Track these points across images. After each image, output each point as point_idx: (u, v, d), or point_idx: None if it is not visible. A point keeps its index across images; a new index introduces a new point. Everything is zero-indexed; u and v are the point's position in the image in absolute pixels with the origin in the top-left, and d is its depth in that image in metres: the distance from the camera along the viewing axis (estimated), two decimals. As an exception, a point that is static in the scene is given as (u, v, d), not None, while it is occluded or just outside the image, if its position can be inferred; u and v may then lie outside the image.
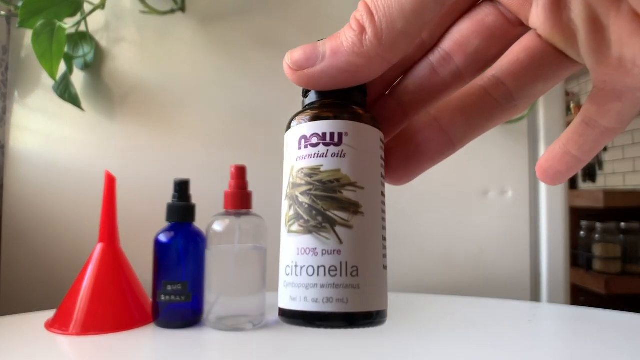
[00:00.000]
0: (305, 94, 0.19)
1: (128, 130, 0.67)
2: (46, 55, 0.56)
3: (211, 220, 0.45)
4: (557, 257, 0.70)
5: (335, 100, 0.18)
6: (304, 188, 0.17)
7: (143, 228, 0.54)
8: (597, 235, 1.51)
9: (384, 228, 0.18)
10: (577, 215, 1.59)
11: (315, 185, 0.17)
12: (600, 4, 0.14)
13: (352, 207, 0.17)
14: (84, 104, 0.64)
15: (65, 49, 0.58)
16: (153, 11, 0.62)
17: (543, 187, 0.70)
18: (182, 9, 0.65)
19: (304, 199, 0.17)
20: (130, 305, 0.45)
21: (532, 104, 0.14)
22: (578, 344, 0.42)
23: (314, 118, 0.18)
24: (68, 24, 0.57)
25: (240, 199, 0.45)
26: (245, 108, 0.68)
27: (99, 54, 0.67)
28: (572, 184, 2.46)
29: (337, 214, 0.17)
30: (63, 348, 0.40)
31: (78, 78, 0.66)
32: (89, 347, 0.39)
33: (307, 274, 0.17)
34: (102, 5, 0.59)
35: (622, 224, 1.50)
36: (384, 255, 0.18)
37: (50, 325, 0.43)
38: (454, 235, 0.69)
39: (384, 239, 0.18)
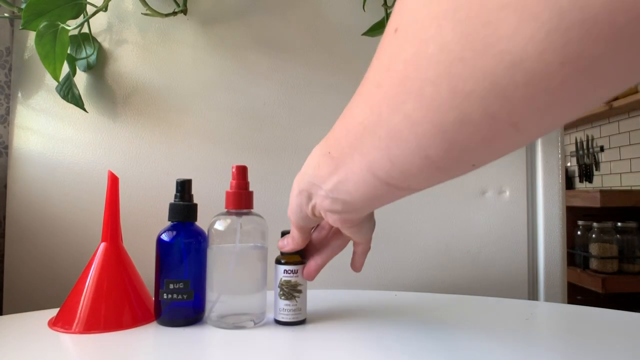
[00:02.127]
0: (281, 254, 0.46)
1: (131, 130, 0.67)
2: (49, 56, 0.56)
3: (213, 219, 0.45)
4: (554, 256, 0.70)
5: (292, 255, 0.45)
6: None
7: (145, 227, 0.55)
8: (593, 235, 1.52)
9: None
10: (574, 215, 1.60)
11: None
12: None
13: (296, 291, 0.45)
14: (87, 105, 0.65)
15: (68, 51, 0.59)
16: (155, 13, 0.63)
17: (540, 187, 0.71)
18: (184, 11, 0.66)
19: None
20: (132, 304, 0.45)
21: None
22: (575, 342, 0.42)
23: (286, 264, 0.45)
24: (71, 26, 0.57)
25: (241, 199, 0.46)
26: (246, 109, 0.69)
27: (102, 56, 0.68)
28: (569, 184, 2.47)
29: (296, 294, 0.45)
30: (66, 346, 0.40)
31: (81, 79, 0.67)
32: (91, 345, 0.39)
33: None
34: (104, 7, 0.60)
35: (619, 224, 1.51)
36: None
37: (54, 324, 0.44)
38: (452, 234, 0.70)
39: None
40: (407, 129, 0.23)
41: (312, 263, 0.45)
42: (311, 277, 0.45)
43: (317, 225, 0.46)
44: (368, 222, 0.41)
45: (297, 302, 0.45)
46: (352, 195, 0.32)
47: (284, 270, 0.45)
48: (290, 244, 0.44)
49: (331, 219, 0.37)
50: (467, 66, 0.18)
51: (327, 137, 0.33)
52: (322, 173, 0.33)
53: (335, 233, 0.45)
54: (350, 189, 0.31)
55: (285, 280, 0.45)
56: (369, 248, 0.45)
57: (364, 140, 0.27)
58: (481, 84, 0.18)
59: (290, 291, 0.45)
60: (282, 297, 0.45)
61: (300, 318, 0.45)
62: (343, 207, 0.34)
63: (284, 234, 0.46)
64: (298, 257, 0.45)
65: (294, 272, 0.45)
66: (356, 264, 0.46)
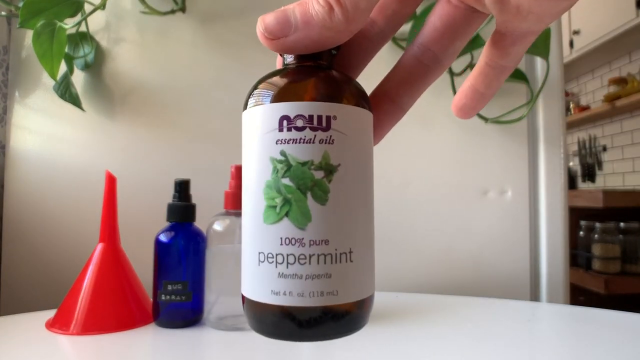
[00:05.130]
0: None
1: (128, 130, 0.67)
2: (47, 55, 0.56)
3: (211, 220, 0.45)
4: (556, 257, 0.70)
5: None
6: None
7: (143, 228, 0.54)
8: (596, 235, 1.52)
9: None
10: (576, 215, 1.60)
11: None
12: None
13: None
14: (84, 104, 0.64)
15: (66, 50, 0.58)
16: (153, 11, 0.62)
17: (543, 187, 0.70)
18: (183, 9, 0.65)
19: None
20: (130, 305, 0.45)
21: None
22: (577, 344, 0.42)
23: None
24: (68, 25, 0.57)
25: (240, 199, 0.45)
26: (245, 108, 0.68)
27: (100, 54, 0.67)
28: (572, 184, 2.47)
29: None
30: (64, 348, 0.40)
31: (78, 78, 0.66)
32: (89, 347, 0.39)
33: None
34: (102, 6, 0.60)
35: (622, 224, 1.50)
36: None
37: (51, 325, 0.44)
38: (454, 235, 0.69)
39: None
40: None
41: (400, 91, 0.22)
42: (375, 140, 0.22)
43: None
44: None
45: None
46: None
47: None
48: (320, 13, 0.17)
49: None
50: None
51: None
52: None
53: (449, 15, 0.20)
54: None
55: None
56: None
57: None
58: None
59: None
60: None
61: None
62: None
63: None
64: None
65: None
66: (486, 97, 0.22)
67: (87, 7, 0.61)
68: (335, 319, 0.17)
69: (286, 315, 0.17)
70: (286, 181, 0.17)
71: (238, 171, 0.46)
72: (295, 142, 0.17)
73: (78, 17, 0.61)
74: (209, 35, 0.68)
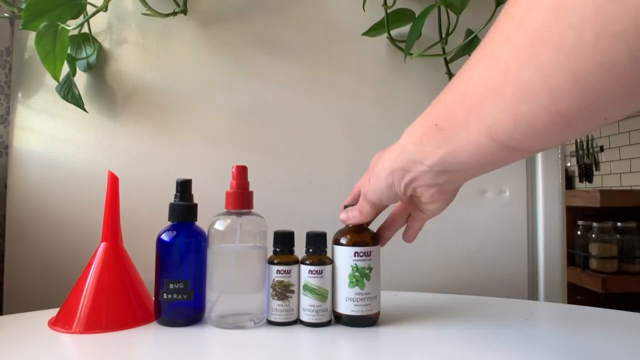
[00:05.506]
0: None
1: (131, 130, 0.67)
2: (49, 56, 0.56)
3: (213, 219, 0.45)
4: (554, 256, 0.70)
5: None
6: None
7: (146, 227, 0.55)
8: (593, 235, 1.52)
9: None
10: (573, 215, 1.60)
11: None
12: (412, 207, 0.44)
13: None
14: (86, 105, 0.65)
15: (68, 51, 0.59)
16: (155, 13, 0.63)
17: (540, 187, 0.71)
18: (184, 11, 0.66)
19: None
20: (132, 304, 0.45)
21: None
22: (574, 342, 0.42)
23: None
24: (71, 26, 0.57)
25: (241, 199, 0.46)
26: (246, 109, 0.69)
27: (102, 56, 0.68)
28: (569, 184, 2.47)
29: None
30: (66, 346, 0.40)
31: (81, 79, 0.67)
32: (92, 345, 0.39)
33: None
34: (104, 8, 0.60)
35: (619, 224, 1.51)
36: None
37: (54, 324, 0.44)
38: (452, 234, 0.70)
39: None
40: (540, 82, 0.22)
41: (386, 233, 0.48)
42: (384, 244, 0.48)
43: None
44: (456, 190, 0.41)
45: (289, 302, 0.45)
46: (463, 165, 0.32)
47: (277, 271, 0.45)
48: (357, 217, 0.44)
49: (427, 193, 0.38)
50: (619, 4, 0.17)
51: (429, 111, 0.33)
52: (427, 148, 0.33)
53: (401, 210, 0.47)
54: (462, 158, 0.31)
55: (277, 281, 0.45)
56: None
57: (485, 104, 0.26)
58: (632, 23, 0.17)
59: (283, 291, 0.45)
60: (275, 298, 0.45)
61: (293, 318, 0.45)
62: (449, 178, 0.34)
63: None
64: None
65: (287, 272, 0.45)
66: (413, 234, 0.48)
67: (90, 9, 0.61)
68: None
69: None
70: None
71: (239, 171, 0.46)
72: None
73: (80, 19, 0.61)
74: (210, 36, 0.69)
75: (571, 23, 0.20)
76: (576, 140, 2.42)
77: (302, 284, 0.45)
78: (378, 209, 0.44)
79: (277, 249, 0.46)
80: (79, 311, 0.43)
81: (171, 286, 0.44)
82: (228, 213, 0.45)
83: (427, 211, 0.42)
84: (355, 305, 0.44)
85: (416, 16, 0.62)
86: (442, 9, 0.66)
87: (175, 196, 0.46)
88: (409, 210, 0.45)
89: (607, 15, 0.18)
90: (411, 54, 0.65)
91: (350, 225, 0.46)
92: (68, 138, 0.67)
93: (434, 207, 0.41)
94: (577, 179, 2.45)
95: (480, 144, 0.28)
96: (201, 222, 0.47)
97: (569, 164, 2.48)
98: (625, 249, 1.49)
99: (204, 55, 0.69)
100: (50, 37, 0.55)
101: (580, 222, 1.62)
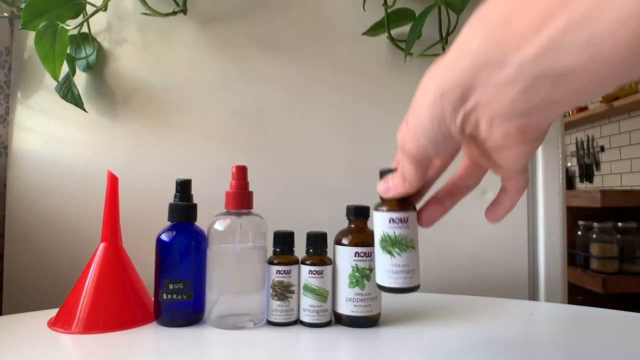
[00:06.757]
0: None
1: (130, 130, 0.67)
2: (49, 56, 0.56)
3: (212, 219, 0.45)
4: (554, 257, 0.70)
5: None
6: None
7: (145, 227, 0.54)
8: (594, 235, 1.52)
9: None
10: (574, 215, 1.60)
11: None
12: (480, 155, 0.31)
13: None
14: (86, 105, 0.65)
15: (68, 51, 0.59)
16: (155, 13, 0.63)
17: (541, 187, 0.71)
18: (184, 10, 0.66)
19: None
20: (132, 304, 0.45)
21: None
22: (575, 343, 0.42)
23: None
24: (70, 26, 0.57)
25: (241, 199, 0.46)
26: (246, 109, 0.68)
27: (101, 56, 0.68)
28: (570, 184, 2.47)
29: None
30: (66, 346, 0.40)
31: (80, 79, 0.67)
32: (91, 346, 0.39)
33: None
34: (104, 7, 0.60)
35: (619, 224, 1.51)
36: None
37: (53, 324, 0.44)
38: (452, 234, 0.70)
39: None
40: None
41: (436, 209, 0.33)
42: (430, 223, 0.35)
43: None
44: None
45: (289, 302, 0.45)
46: (597, 55, 0.17)
47: (277, 271, 0.44)
48: (399, 185, 0.31)
49: (499, 129, 0.23)
50: None
51: None
52: (522, 28, 0.19)
53: (467, 166, 0.32)
54: (597, 33, 0.17)
55: (277, 281, 0.44)
56: (527, 182, 0.32)
57: None
58: None
59: (283, 292, 0.44)
60: (275, 298, 0.45)
61: (293, 319, 0.45)
62: (547, 95, 0.20)
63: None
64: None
65: (287, 272, 0.45)
66: (505, 208, 0.33)
67: (89, 9, 0.61)
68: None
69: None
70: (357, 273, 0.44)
71: (239, 171, 0.46)
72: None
73: (80, 19, 0.61)
74: (210, 36, 0.69)
75: None
76: (576, 140, 2.42)
77: (302, 284, 0.45)
78: (423, 168, 0.30)
79: (277, 249, 0.46)
80: (78, 311, 0.43)
81: (171, 286, 0.44)
82: (228, 213, 0.45)
83: (501, 162, 0.27)
84: (355, 305, 0.44)
85: (416, 16, 0.62)
86: (443, 8, 0.66)
87: (175, 196, 0.46)
88: (476, 159, 0.31)
89: None
90: (411, 54, 0.65)
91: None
92: (67, 138, 0.67)
93: (507, 155, 0.26)
94: (577, 179, 2.45)
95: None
96: (201, 222, 0.47)
97: (569, 164, 2.48)
98: (626, 249, 1.49)
99: (203, 55, 0.69)
100: (49, 36, 0.55)
101: (580, 222, 1.61)
